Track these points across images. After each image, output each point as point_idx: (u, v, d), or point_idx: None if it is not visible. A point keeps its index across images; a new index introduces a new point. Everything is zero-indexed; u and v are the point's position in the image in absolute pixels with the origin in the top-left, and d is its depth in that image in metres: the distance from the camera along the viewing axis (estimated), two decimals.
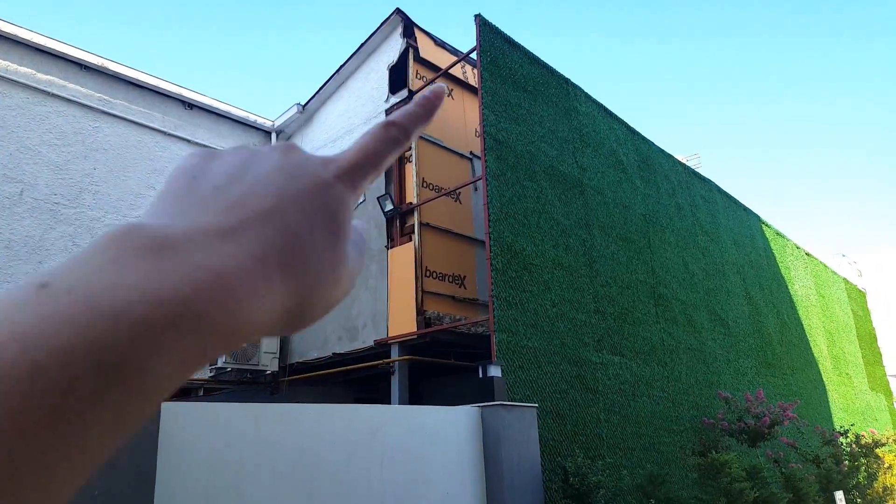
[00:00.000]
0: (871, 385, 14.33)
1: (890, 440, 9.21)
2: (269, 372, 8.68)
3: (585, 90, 8.01)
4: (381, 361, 7.12)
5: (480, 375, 5.11)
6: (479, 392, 5.03)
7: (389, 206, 7.55)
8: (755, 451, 7.41)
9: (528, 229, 6.19)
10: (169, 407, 3.34)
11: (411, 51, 8.04)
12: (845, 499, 7.01)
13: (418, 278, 6.96)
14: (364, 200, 8.30)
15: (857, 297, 15.79)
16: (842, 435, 8.56)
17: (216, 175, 0.22)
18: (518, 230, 6.04)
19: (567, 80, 7.72)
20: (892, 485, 8.55)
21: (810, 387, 11.08)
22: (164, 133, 9.11)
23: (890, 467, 8.80)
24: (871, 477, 8.42)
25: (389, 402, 6.79)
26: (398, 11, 8.15)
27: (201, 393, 8.87)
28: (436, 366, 7.24)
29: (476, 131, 8.05)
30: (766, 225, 12.12)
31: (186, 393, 8.53)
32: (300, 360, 8.48)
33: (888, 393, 15.49)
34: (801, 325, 11.75)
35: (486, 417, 4.87)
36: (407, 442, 4.34)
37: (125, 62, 9.22)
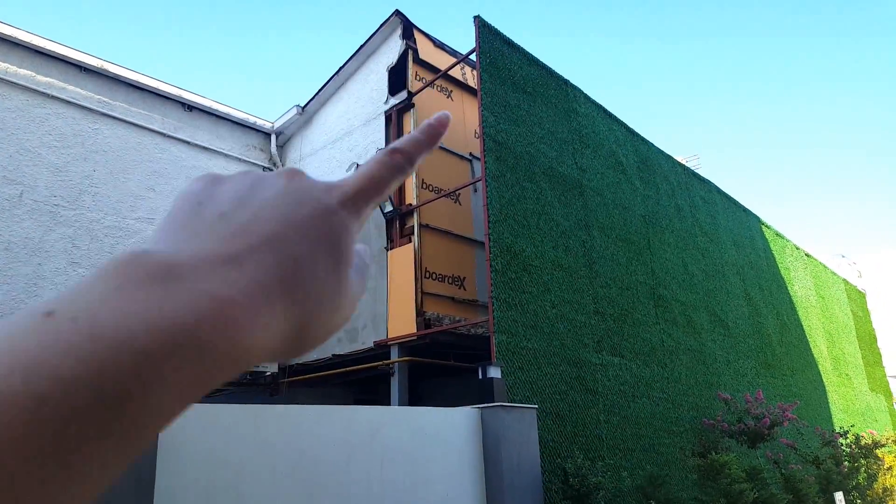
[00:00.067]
0: (871, 386, 14.33)
1: (889, 441, 9.21)
2: (268, 373, 8.68)
3: (585, 91, 8.02)
4: (380, 363, 7.12)
5: (480, 377, 5.11)
6: (479, 393, 5.02)
7: (389, 208, 7.56)
8: (755, 452, 7.40)
9: (528, 230, 6.19)
10: None
11: (410, 52, 8.05)
12: (845, 500, 7.00)
13: (418, 279, 6.97)
14: None
15: (857, 298, 15.79)
16: (841, 436, 8.55)
17: (222, 201, 0.22)
18: (518, 231, 6.05)
19: (566, 82, 7.73)
20: (892, 486, 8.55)
21: (810, 388, 11.08)
22: (164, 135, 9.12)
23: (890, 468, 8.80)
24: (871, 478, 8.42)
25: (389, 404, 6.79)
26: (397, 13, 8.17)
27: None
28: (435, 367, 7.24)
29: (475, 133, 8.06)
30: (766, 226, 12.13)
31: None
32: (300, 362, 8.48)
33: (888, 394, 15.48)
34: (801, 325, 11.75)
35: (486, 419, 4.87)
36: (407, 443, 4.34)
37: (125, 64, 9.23)
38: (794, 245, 13.07)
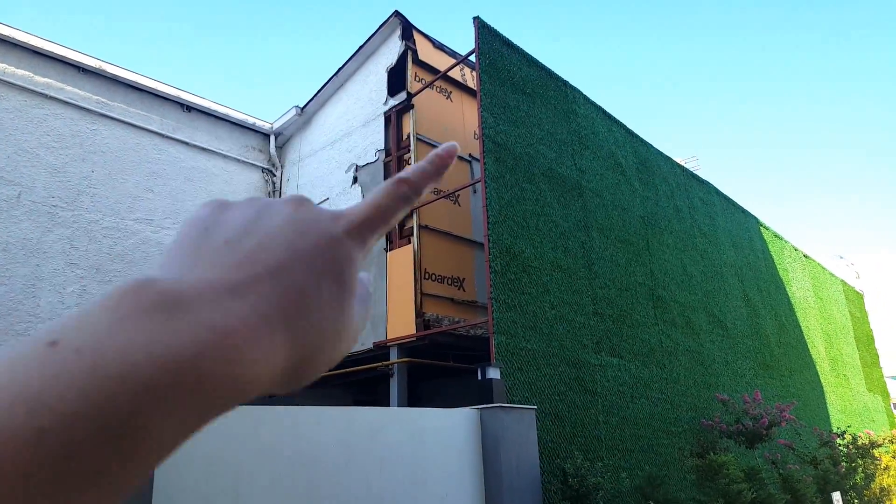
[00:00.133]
0: (869, 386, 14.37)
1: (886, 441, 9.24)
2: None
3: (584, 92, 8.04)
4: (379, 364, 7.11)
5: (479, 377, 5.11)
6: (478, 394, 5.03)
7: None
8: (753, 452, 7.42)
9: (527, 231, 6.20)
10: None
11: (410, 53, 8.06)
12: (843, 500, 7.02)
13: (417, 280, 6.97)
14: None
15: (855, 299, 15.84)
16: (839, 436, 8.58)
17: (228, 227, 0.23)
18: (517, 232, 6.05)
19: (566, 83, 7.74)
20: (889, 485, 8.57)
21: (808, 388, 11.11)
22: (162, 135, 9.11)
23: (887, 468, 8.83)
24: (869, 478, 8.44)
25: (388, 405, 6.78)
26: (397, 14, 8.17)
27: None
28: (435, 368, 7.24)
29: (475, 134, 8.06)
30: (765, 227, 12.16)
31: None
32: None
33: (885, 394, 15.53)
34: (799, 326, 11.78)
35: (485, 419, 4.87)
36: (406, 444, 4.34)
37: (123, 65, 9.22)
38: (793, 246, 13.10)
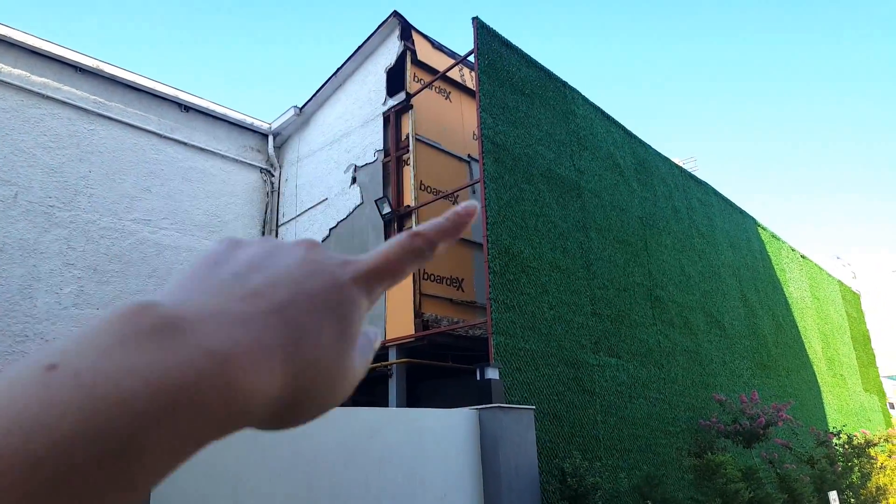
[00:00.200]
0: (865, 386, 14.44)
1: (882, 440, 9.29)
2: None
3: (583, 93, 8.05)
4: (378, 364, 7.11)
5: (478, 378, 5.12)
6: (477, 394, 5.03)
7: (387, 209, 7.56)
8: (750, 452, 7.45)
9: (526, 232, 6.21)
10: None
11: (409, 53, 8.05)
12: (839, 499, 7.05)
13: (416, 281, 6.97)
14: (362, 203, 8.30)
15: (852, 299, 15.91)
16: (835, 436, 8.62)
17: (238, 263, 0.23)
18: (516, 233, 6.06)
19: (564, 84, 7.76)
20: (885, 484, 8.62)
21: (805, 388, 11.15)
22: (160, 136, 9.08)
23: (883, 467, 8.87)
24: (865, 477, 8.49)
25: (387, 405, 6.78)
26: (395, 14, 8.17)
27: None
28: (433, 368, 7.24)
29: (474, 134, 8.07)
30: (762, 228, 12.21)
31: None
32: None
33: (881, 394, 15.61)
34: (797, 326, 11.83)
35: (484, 419, 4.88)
36: (405, 444, 4.34)
37: (121, 64, 9.18)
38: (790, 247, 13.16)
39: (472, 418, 4.86)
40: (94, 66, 8.51)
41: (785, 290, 11.98)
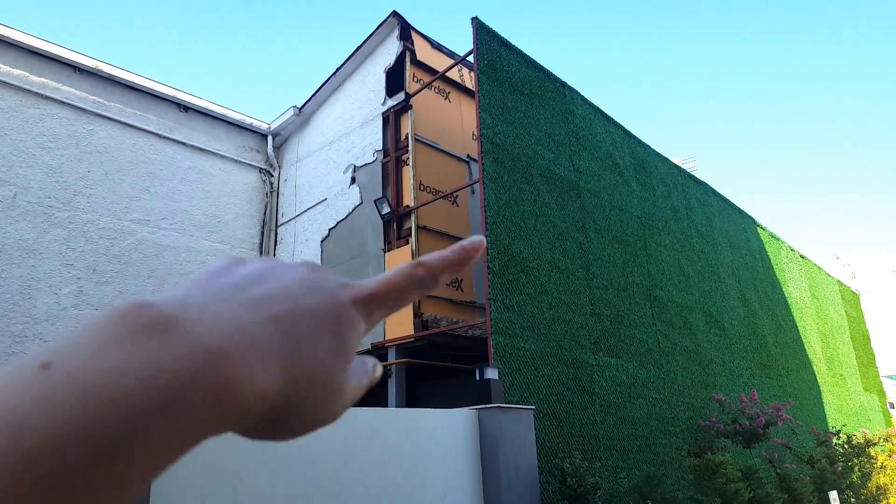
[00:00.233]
0: (865, 386, 14.44)
1: (881, 440, 9.29)
2: None
3: (582, 93, 8.05)
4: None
5: (477, 378, 5.12)
6: (477, 394, 5.03)
7: (386, 209, 7.56)
8: (750, 452, 7.45)
9: (525, 232, 6.21)
10: None
11: (408, 54, 8.06)
12: (839, 498, 7.05)
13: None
14: (361, 203, 8.30)
15: (851, 299, 15.92)
16: (835, 436, 8.62)
17: (239, 276, 0.23)
18: (515, 233, 6.06)
19: (563, 84, 7.76)
20: (886, 484, 8.62)
21: (805, 388, 11.16)
22: (159, 136, 9.08)
23: (883, 467, 8.88)
24: (865, 477, 8.49)
25: (387, 405, 6.78)
26: (395, 14, 8.17)
27: None
28: (433, 368, 7.24)
29: (473, 134, 8.07)
30: (761, 227, 12.22)
31: None
32: None
33: (881, 394, 15.61)
34: (796, 326, 11.83)
35: (483, 420, 4.87)
36: (404, 444, 4.33)
37: (120, 64, 9.18)
38: (789, 246, 13.16)
39: (472, 418, 4.86)
40: (93, 66, 8.50)
41: (784, 289, 11.99)
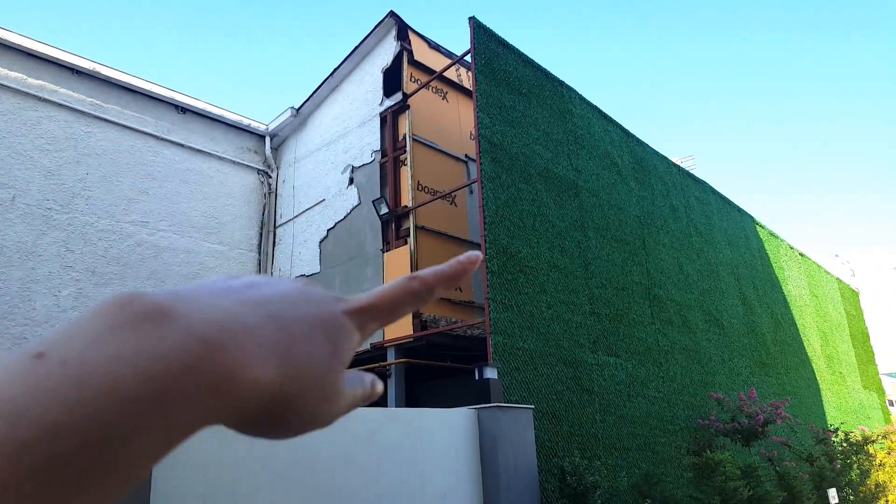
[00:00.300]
0: (864, 384, 14.46)
1: (879, 437, 9.31)
2: None
3: (580, 92, 8.06)
4: (377, 364, 7.11)
5: (477, 377, 5.12)
6: (476, 394, 5.04)
7: (384, 210, 7.56)
8: (749, 450, 7.46)
9: (524, 232, 6.21)
10: None
11: (405, 53, 8.06)
12: (838, 496, 7.06)
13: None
14: (360, 203, 8.30)
15: (850, 297, 15.94)
16: (833, 433, 8.64)
17: (233, 281, 0.23)
18: (513, 233, 6.07)
19: (561, 83, 7.77)
20: (885, 481, 8.64)
21: (804, 386, 11.17)
22: (157, 137, 9.08)
23: (882, 464, 8.89)
24: (864, 474, 8.50)
25: (386, 405, 6.78)
26: (392, 14, 8.17)
27: None
28: (432, 368, 7.25)
29: (471, 134, 8.08)
30: (760, 226, 12.23)
31: None
32: None
33: (881, 391, 15.63)
34: (795, 324, 11.84)
35: (483, 419, 4.88)
36: (404, 444, 4.34)
37: (117, 66, 9.17)
38: (788, 245, 13.18)
39: (471, 418, 4.87)
40: (91, 69, 8.50)
41: (783, 288, 12.00)
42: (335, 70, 9.05)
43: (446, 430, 4.66)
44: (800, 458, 7.86)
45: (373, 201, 7.77)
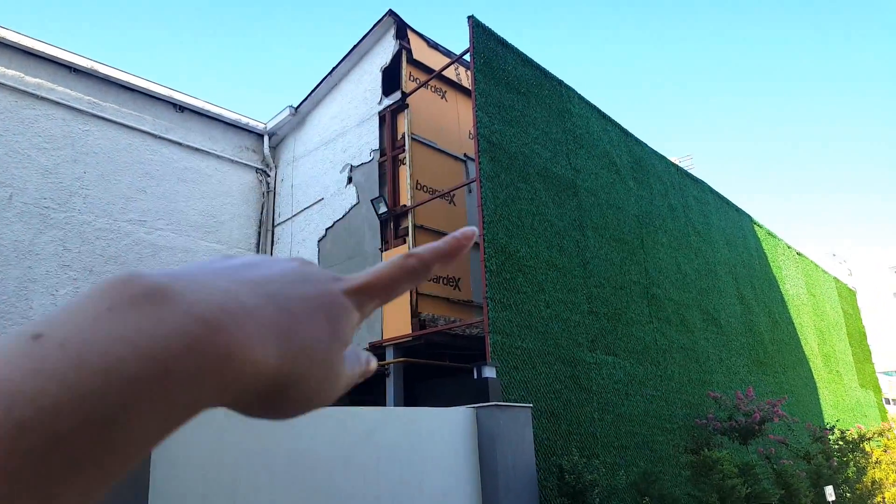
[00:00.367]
0: (861, 382, 14.53)
1: (875, 434, 9.35)
2: None
3: (579, 92, 8.06)
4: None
5: (475, 377, 5.13)
6: (474, 393, 5.04)
7: (383, 209, 7.55)
8: (747, 448, 7.49)
9: (522, 231, 6.22)
10: None
11: (404, 52, 8.05)
12: (835, 493, 7.10)
13: None
14: (358, 202, 8.29)
15: (847, 296, 16.00)
16: (830, 431, 8.68)
17: (231, 261, 0.23)
18: (512, 232, 6.07)
19: (560, 82, 7.77)
20: (881, 479, 8.68)
21: (801, 384, 11.22)
22: (155, 136, 9.05)
23: (878, 462, 8.94)
24: (860, 472, 8.55)
25: (385, 405, 6.79)
26: (391, 13, 8.16)
27: None
28: (431, 368, 7.25)
29: (470, 133, 8.07)
30: (758, 225, 12.26)
31: None
32: None
33: (877, 390, 15.71)
34: (793, 323, 11.89)
35: (481, 418, 4.89)
36: (403, 443, 4.35)
37: (115, 64, 9.14)
38: (786, 244, 13.22)
39: (470, 417, 4.87)
40: (89, 67, 8.47)
41: (781, 287, 12.04)
42: (334, 69, 9.03)
43: (445, 429, 4.67)
44: (797, 456, 7.90)
45: (371, 200, 7.76)
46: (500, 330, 5.48)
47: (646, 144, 9.29)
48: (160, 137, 9.09)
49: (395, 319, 7.02)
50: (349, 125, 8.74)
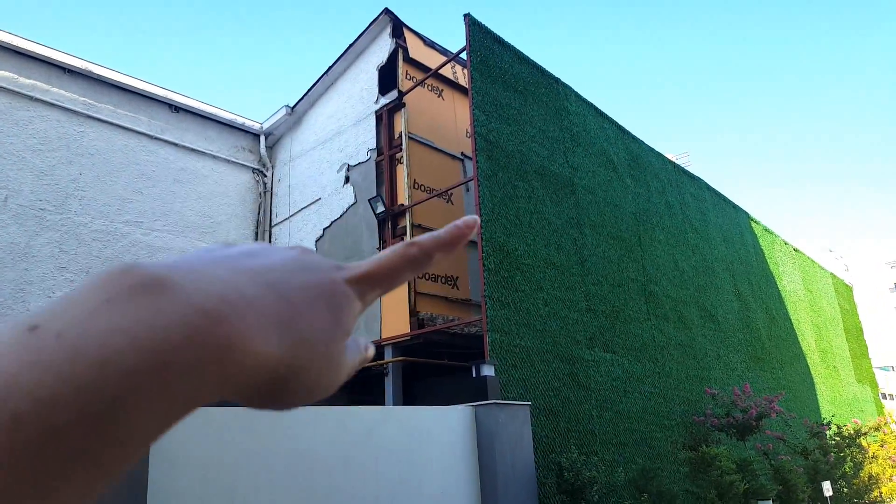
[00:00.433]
0: (858, 377, 14.59)
1: (871, 429, 9.40)
2: None
3: (576, 90, 8.06)
4: (374, 363, 7.12)
5: (474, 375, 5.14)
6: (473, 391, 5.05)
7: (381, 208, 7.55)
8: (745, 444, 7.52)
9: (520, 229, 6.22)
10: None
11: (400, 51, 8.03)
12: (833, 489, 7.13)
13: (411, 280, 6.96)
14: (356, 202, 8.28)
15: (844, 292, 16.06)
16: (827, 427, 8.72)
17: (230, 250, 0.23)
18: (510, 230, 6.08)
19: (557, 80, 7.77)
20: (878, 474, 8.73)
21: (798, 380, 11.26)
22: (151, 137, 9.02)
23: (875, 457, 8.98)
24: (857, 466, 8.59)
25: (384, 403, 6.79)
26: (386, 11, 8.14)
27: None
28: (429, 366, 7.26)
29: (467, 132, 8.07)
30: (755, 221, 12.30)
31: None
32: None
33: (874, 384, 15.78)
34: (790, 319, 11.93)
35: (480, 416, 4.89)
36: (402, 442, 4.35)
37: (110, 65, 9.10)
38: (783, 240, 13.26)
39: (469, 415, 4.88)
40: (83, 68, 8.43)
41: (778, 283, 12.08)
42: (330, 68, 9.01)
43: (444, 427, 4.68)
44: (794, 452, 7.93)
45: (369, 200, 7.75)
46: (498, 328, 5.49)
47: (643, 142, 9.30)
48: (156, 138, 9.06)
49: (394, 318, 7.02)
50: (346, 124, 8.73)
